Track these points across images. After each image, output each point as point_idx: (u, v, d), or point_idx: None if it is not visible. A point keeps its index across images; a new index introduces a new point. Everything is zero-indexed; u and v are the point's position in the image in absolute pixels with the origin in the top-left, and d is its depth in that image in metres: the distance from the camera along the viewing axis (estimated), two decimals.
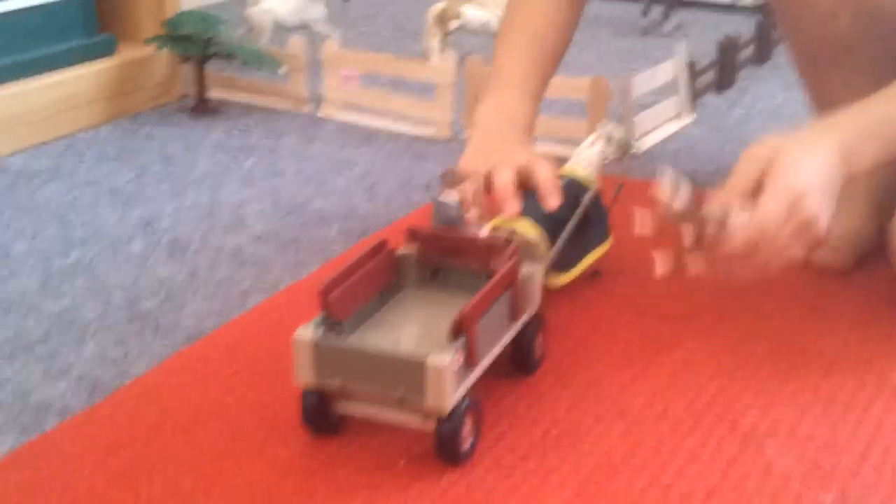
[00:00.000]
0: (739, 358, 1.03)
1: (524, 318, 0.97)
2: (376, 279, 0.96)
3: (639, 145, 1.57)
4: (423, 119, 1.72)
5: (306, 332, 0.87)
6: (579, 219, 1.10)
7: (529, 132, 1.18)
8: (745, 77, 2.00)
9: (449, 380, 0.83)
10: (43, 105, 1.67)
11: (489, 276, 0.93)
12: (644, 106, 1.66)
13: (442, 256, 0.99)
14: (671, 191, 0.98)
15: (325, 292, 0.89)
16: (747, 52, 2.05)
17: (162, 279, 1.22)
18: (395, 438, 0.90)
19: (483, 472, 0.87)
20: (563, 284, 1.11)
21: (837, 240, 1.20)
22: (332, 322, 0.89)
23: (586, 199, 1.12)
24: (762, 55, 2.09)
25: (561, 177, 1.13)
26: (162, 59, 1.84)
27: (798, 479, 0.85)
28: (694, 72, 1.79)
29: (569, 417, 0.94)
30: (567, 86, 1.56)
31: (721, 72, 1.92)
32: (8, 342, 1.08)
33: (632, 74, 1.63)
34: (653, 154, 1.60)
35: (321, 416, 0.90)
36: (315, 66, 1.82)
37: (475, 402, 0.88)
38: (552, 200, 1.05)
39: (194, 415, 0.95)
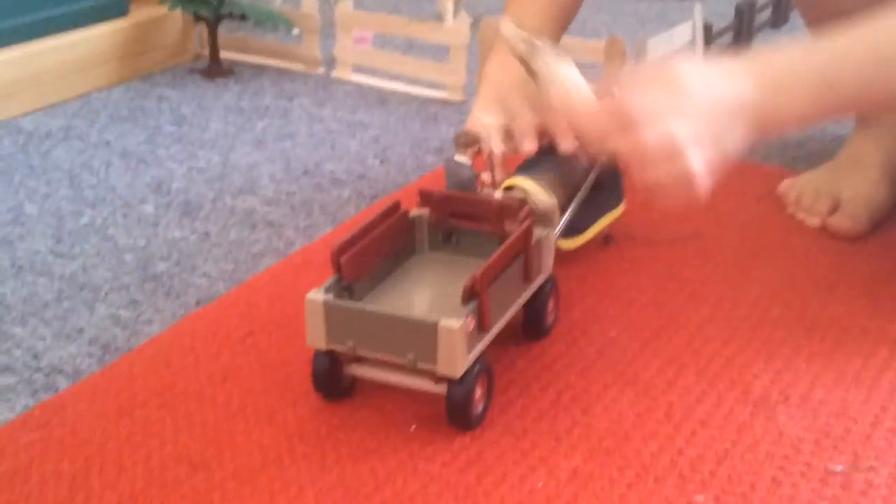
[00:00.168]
0: (752, 324, 1.02)
1: (537, 282, 0.97)
2: (389, 242, 0.96)
3: None
4: (437, 81, 1.71)
5: (318, 295, 0.87)
6: (593, 182, 1.10)
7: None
8: (762, 40, 1.98)
9: (461, 343, 0.83)
10: (55, 66, 1.66)
11: (502, 238, 0.92)
12: None
13: (455, 219, 0.99)
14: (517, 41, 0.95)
15: (337, 254, 0.88)
16: (764, 16, 2.03)
17: (174, 241, 1.22)
18: (407, 402, 0.90)
19: (494, 437, 0.87)
20: (575, 248, 1.11)
21: (851, 206, 1.20)
22: (344, 284, 0.89)
23: (601, 161, 1.11)
24: (779, 19, 2.07)
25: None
26: (175, 19, 1.83)
27: (809, 446, 0.85)
28: (710, 35, 1.77)
29: (580, 382, 0.94)
30: (582, 47, 1.54)
31: (737, 35, 1.90)
32: (20, 304, 1.09)
33: (647, 36, 1.62)
34: None
35: (332, 379, 0.90)
36: (329, 28, 1.81)
37: (487, 366, 0.88)
38: (565, 144, 0.97)
39: (206, 377, 0.95)
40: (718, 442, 0.86)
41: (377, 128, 1.57)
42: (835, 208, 1.20)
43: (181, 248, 1.20)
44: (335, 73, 1.79)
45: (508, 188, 1.07)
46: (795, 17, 2.03)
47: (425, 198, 1.00)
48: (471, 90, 1.67)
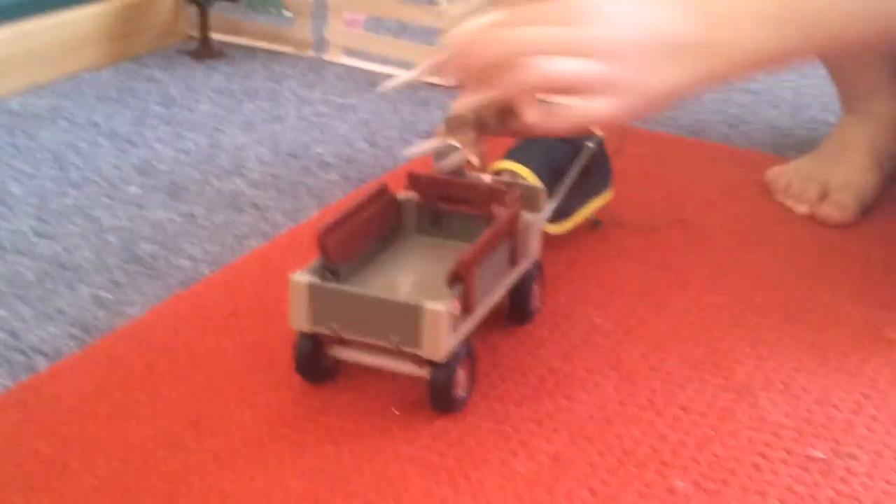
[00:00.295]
0: (736, 311, 1.02)
1: (523, 266, 0.96)
2: (375, 224, 0.95)
3: None
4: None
5: (302, 276, 0.86)
6: (581, 167, 1.09)
7: None
8: None
9: (445, 327, 0.83)
10: (44, 46, 1.65)
11: (490, 222, 0.92)
12: None
13: (443, 202, 0.98)
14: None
15: (323, 236, 0.88)
16: None
17: (159, 223, 1.21)
18: (390, 385, 0.90)
19: (476, 421, 0.86)
20: (562, 233, 1.11)
21: (840, 193, 1.19)
22: (330, 267, 0.89)
23: (590, 145, 1.10)
24: None
25: None
26: (165, 0, 1.82)
27: (791, 432, 0.85)
28: None
29: (564, 367, 0.93)
30: None
31: None
32: (1, 284, 1.08)
33: None
34: None
35: (315, 362, 0.89)
36: (320, 10, 1.80)
37: (471, 350, 0.88)
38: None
39: (188, 359, 0.94)
40: (700, 428, 0.85)
41: (367, 111, 1.56)
42: (824, 195, 1.20)
43: (166, 229, 1.20)
44: (326, 56, 1.78)
45: (497, 172, 1.07)
46: None
47: (413, 181, 0.99)
48: None
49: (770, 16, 0.78)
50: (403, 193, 0.99)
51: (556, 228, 1.10)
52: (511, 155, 1.10)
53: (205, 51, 1.78)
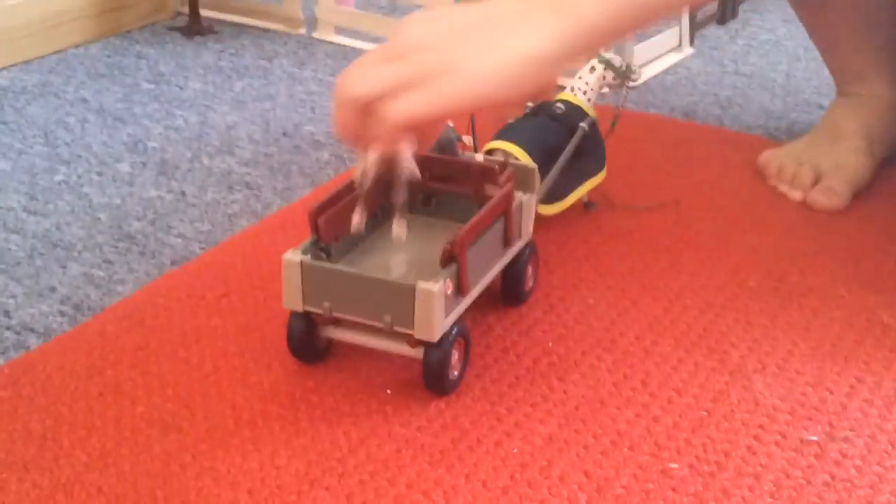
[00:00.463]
0: (730, 293, 1.02)
1: (516, 246, 0.96)
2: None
3: (640, 72, 1.55)
4: None
5: (295, 255, 0.86)
6: (574, 148, 1.09)
7: None
8: (748, 9, 1.97)
9: (438, 307, 0.82)
10: (32, 21, 1.64)
11: (483, 202, 0.91)
12: (644, 37, 1.63)
13: (435, 182, 0.98)
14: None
15: (315, 215, 0.87)
16: None
17: (149, 200, 1.20)
18: (383, 366, 0.90)
19: (469, 402, 0.86)
20: (555, 214, 1.10)
21: (832, 178, 1.19)
22: (322, 246, 0.88)
23: (584, 125, 1.10)
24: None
25: (559, 102, 1.11)
26: None
27: (785, 415, 0.85)
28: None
29: (557, 349, 0.93)
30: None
31: (723, 3, 1.88)
32: None
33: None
34: (651, 85, 1.58)
35: (307, 341, 0.89)
36: None
37: (464, 330, 0.87)
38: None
39: (180, 338, 0.94)
40: (694, 410, 0.85)
41: None
42: (816, 180, 1.20)
43: (157, 207, 1.19)
44: (316, 34, 1.77)
45: (490, 151, 1.06)
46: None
47: None
48: None
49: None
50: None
51: (550, 210, 1.09)
52: (503, 135, 1.09)
53: (194, 27, 1.77)
